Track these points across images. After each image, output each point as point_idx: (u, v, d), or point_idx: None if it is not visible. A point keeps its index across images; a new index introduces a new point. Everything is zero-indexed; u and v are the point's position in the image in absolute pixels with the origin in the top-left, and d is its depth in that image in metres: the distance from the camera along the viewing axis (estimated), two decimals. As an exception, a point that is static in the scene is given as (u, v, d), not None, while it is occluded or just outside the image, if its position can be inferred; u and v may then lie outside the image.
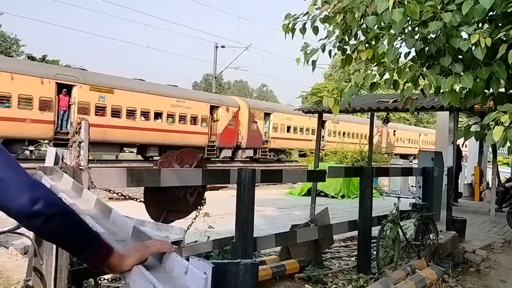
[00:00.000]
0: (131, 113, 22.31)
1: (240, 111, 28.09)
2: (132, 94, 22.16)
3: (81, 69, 22.60)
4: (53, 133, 19.34)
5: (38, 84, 18.62)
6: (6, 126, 17.61)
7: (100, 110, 21.05)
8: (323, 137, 30.00)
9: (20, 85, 17.97)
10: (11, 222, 1.57)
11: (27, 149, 19.41)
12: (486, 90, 3.83)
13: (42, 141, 19.93)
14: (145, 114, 22.94)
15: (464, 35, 3.33)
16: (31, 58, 38.50)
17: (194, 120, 25.55)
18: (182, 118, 24.95)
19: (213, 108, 26.58)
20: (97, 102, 20.88)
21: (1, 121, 17.43)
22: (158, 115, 23.65)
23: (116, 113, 21.67)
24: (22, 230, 2.72)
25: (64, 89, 19.73)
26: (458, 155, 11.77)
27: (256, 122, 29.13)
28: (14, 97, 18.01)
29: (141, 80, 24.63)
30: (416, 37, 3.59)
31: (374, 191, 7.55)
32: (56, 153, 3.23)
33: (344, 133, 35.03)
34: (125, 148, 24.17)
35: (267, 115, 30.09)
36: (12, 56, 33.07)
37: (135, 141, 22.99)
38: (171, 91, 25.08)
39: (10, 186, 1.10)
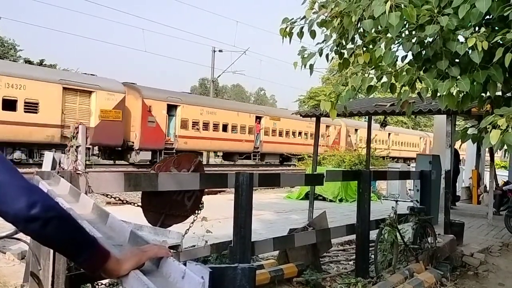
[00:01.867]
0: (287, 133, 34.26)
1: (341, 128, 39.03)
2: (288, 120, 32.28)
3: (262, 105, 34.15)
4: (253, 148, 31.37)
5: (248, 117, 31.06)
6: (234, 144, 29.93)
7: (273, 132, 33.13)
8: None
9: (242, 118, 30.38)
10: (9, 227, 1.57)
11: (239, 159, 31.85)
12: (483, 94, 3.83)
13: (245, 154, 32.02)
14: (293, 133, 34.80)
15: (461, 38, 3.33)
16: (28, 62, 38.40)
17: None
18: (311, 135, 33.35)
19: (326, 127, 36.81)
20: (272, 127, 33.06)
21: (233, 141, 29.63)
22: (299, 134, 35.45)
23: (280, 134, 33.69)
24: (20, 235, 2.71)
25: (258, 119, 31.77)
26: (456, 158, 11.77)
27: (350, 136, 40.10)
28: (239, 126, 30.16)
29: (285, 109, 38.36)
30: (413, 40, 3.58)
31: (372, 194, 7.56)
32: (53, 157, 3.22)
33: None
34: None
35: (356, 130, 40.39)
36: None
37: (287, 152, 33.39)
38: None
39: (7, 190, 1.10)
